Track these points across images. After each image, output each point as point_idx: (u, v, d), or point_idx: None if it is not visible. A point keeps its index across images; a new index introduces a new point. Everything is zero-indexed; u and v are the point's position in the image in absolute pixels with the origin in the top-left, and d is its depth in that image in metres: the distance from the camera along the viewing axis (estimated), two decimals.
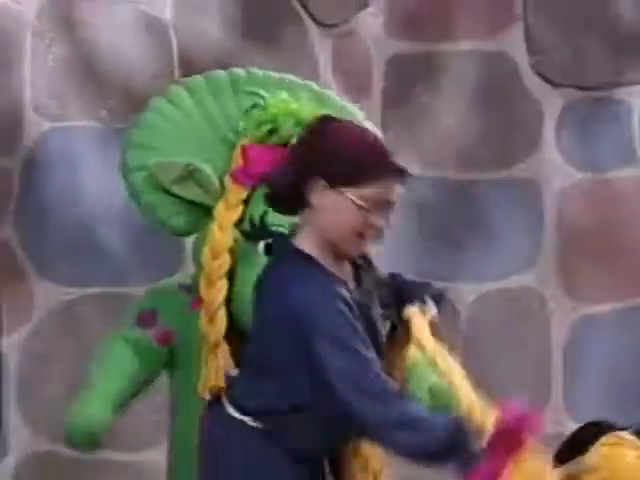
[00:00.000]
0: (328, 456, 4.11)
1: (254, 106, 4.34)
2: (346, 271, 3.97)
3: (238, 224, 4.30)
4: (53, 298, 5.38)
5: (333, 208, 3.80)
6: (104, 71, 5.85)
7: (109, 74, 5.84)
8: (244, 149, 4.32)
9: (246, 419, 3.95)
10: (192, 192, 4.35)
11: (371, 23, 6.22)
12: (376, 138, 3.99)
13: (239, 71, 4.72)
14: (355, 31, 6.19)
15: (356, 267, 3.99)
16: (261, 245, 4.08)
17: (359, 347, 3.80)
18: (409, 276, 4.22)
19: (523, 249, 6.34)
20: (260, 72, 4.74)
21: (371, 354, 3.76)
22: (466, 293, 6.30)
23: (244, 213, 4.28)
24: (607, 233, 6.39)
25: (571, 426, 5.90)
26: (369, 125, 4.70)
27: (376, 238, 3.96)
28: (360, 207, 3.80)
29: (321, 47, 6.15)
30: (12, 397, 5.47)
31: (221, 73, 4.85)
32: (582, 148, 6.35)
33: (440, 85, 6.29)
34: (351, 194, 3.75)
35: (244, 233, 4.22)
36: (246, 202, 4.29)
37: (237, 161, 4.30)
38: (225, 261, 4.19)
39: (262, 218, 4.12)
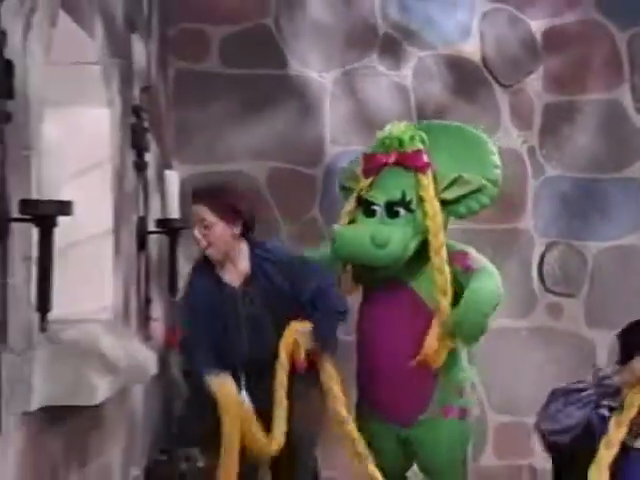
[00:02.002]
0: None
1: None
2: (235, 275, 4.39)
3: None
4: None
5: None
6: (371, 117, 6.26)
7: (374, 118, 6.17)
8: (363, 156, 4.63)
9: None
10: (352, 183, 4.63)
11: (534, 84, 6.47)
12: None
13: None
14: (523, 89, 6.45)
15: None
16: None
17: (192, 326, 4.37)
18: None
19: (630, 221, 6.48)
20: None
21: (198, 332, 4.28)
22: (592, 248, 6.46)
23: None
24: None
25: None
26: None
27: (203, 247, 4.42)
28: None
29: (501, 99, 6.45)
30: None
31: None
32: None
33: (577, 121, 6.49)
34: None
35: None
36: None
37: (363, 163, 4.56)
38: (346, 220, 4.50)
39: (363, 194, 4.52)
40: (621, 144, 6.51)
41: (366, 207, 4.43)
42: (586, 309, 6.48)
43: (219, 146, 6.22)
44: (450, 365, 4.40)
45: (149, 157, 5.25)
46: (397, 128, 4.49)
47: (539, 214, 6.47)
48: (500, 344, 6.24)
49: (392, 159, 4.41)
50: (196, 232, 4.50)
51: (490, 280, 4.40)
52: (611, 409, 3.75)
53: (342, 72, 6.37)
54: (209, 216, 4.49)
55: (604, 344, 6.29)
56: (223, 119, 6.23)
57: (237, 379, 4.43)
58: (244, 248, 4.46)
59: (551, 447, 3.80)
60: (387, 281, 4.43)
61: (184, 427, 4.71)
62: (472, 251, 4.52)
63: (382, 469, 4.53)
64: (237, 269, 4.49)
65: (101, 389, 3.47)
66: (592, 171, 6.51)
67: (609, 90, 6.51)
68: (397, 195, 4.36)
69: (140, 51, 5.30)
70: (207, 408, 4.33)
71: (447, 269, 4.29)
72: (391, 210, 4.36)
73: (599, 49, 6.51)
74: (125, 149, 4.83)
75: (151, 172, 5.34)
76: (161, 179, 5.38)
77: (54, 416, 3.45)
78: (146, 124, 5.13)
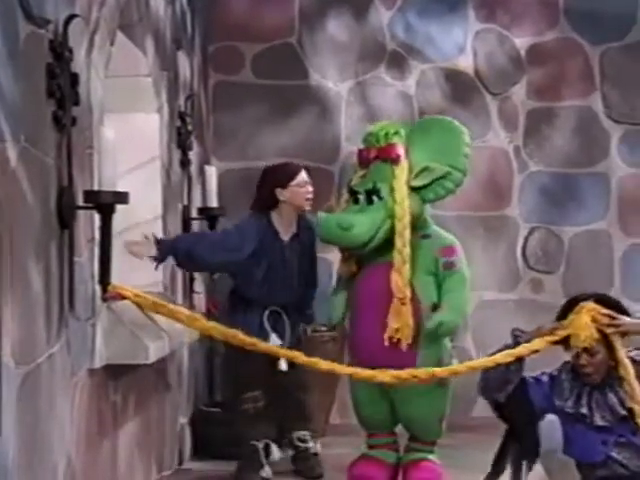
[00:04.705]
0: None
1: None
2: (288, 228, 4.58)
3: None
4: None
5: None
6: (380, 120, 5.48)
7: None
8: (357, 151, 4.42)
9: None
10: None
11: (519, 92, 6.39)
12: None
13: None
14: (510, 97, 6.39)
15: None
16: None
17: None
18: None
19: (599, 209, 6.40)
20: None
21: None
22: (568, 232, 6.39)
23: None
24: None
25: (625, 302, 5.89)
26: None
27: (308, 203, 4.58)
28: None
29: (491, 105, 6.39)
30: None
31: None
32: (632, 156, 6.38)
33: (555, 124, 6.41)
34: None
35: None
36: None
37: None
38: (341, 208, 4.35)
39: (350, 184, 4.36)
40: (592, 144, 6.45)
41: (354, 196, 4.32)
42: (563, 283, 6.42)
43: (251, 146, 6.23)
44: (431, 340, 4.23)
45: (192, 155, 5.26)
46: (376, 127, 4.37)
47: (523, 203, 6.43)
48: (490, 313, 6.24)
49: (373, 154, 4.29)
50: (309, 188, 4.66)
51: (464, 286, 4.29)
52: (552, 377, 3.63)
53: (355, 82, 6.35)
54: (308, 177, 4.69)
55: None
56: (254, 123, 6.23)
57: (263, 322, 4.55)
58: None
59: (495, 408, 3.66)
60: (376, 261, 4.27)
61: (245, 374, 4.63)
62: (458, 247, 4.36)
63: (372, 423, 4.44)
64: (291, 227, 4.67)
65: (153, 351, 3.51)
66: (568, 167, 6.45)
67: (583, 98, 6.45)
68: (370, 185, 4.25)
69: (185, 65, 5.31)
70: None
71: (407, 252, 4.15)
72: (369, 198, 4.25)
73: (574, 63, 6.45)
74: (172, 148, 4.85)
75: (194, 168, 5.35)
76: (202, 174, 5.36)
77: (114, 372, 3.49)
78: (190, 127, 5.14)
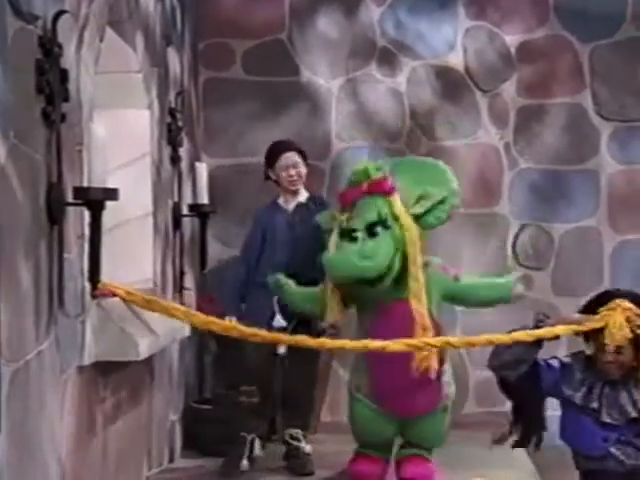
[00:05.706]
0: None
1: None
2: (292, 204, 4.66)
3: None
4: None
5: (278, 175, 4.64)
6: (371, 117, 6.28)
7: (374, 119, 6.28)
8: (339, 195, 4.35)
9: None
10: (332, 223, 4.28)
11: (509, 89, 6.39)
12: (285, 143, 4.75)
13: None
14: (500, 94, 6.38)
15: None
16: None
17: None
18: None
19: (589, 206, 6.41)
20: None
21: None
22: (558, 229, 6.40)
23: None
24: (635, 197, 6.39)
25: None
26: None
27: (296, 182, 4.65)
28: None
29: (481, 102, 6.38)
30: None
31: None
32: (621, 153, 6.39)
33: (545, 120, 6.40)
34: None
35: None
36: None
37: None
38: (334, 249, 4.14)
39: (344, 226, 4.16)
40: (582, 141, 6.46)
41: (349, 235, 4.14)
42: (553, 280, 6.44)
43: (241, 142, 6.21)
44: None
45: (182, 151, 5.25)
46: (360, 165, 4.32)
47: (514, 200, 6.44)
48: (480, 310, 6.13)
49: (364, 188, 4.18)
50: (292, 171, 4.70)
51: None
52: (562, 364, 3.59)
53: (346, 79, 6.36)
54: (299, 159, 4.76)
55: (567, 309, 5.84)
56: (245, 119, 6.22)
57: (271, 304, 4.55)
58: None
59: (502, 385, 3.61)
60: (387, 299, 4.17)
61: (243, 368, 4.70)
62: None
63: (369, 443, 4.39)
64: (296, 199, 4.73)
65: (143, 347, 3.50)
66: (558, 164, 6.45)
67: (572, 95, 6.46)
68: (374, 216, 4.13)
69: (175, 61, 5.30)
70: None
71: (422, 277, 4.09)
72: (371, 231, 4.11)
73: (564, 60, 6.46)
74: (162, 145, 4.84)
75: (184, 164, 5.33)
76: (192, 170, 5.35)
77: (104, 369, 3.48)
78: (180, 123, 5.13)
